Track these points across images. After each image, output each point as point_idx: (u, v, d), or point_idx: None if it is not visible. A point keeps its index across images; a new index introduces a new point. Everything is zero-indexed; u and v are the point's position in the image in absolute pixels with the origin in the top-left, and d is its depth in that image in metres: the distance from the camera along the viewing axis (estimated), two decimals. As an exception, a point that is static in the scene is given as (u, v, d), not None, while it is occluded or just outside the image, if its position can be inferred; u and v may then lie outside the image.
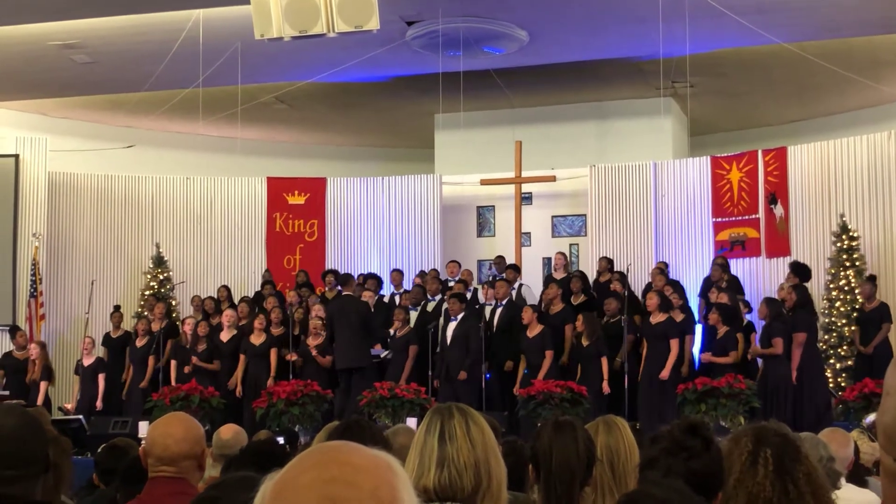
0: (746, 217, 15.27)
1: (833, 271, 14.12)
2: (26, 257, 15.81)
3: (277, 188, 17.48)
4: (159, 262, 17.01)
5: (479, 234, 17.62)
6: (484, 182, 16.70)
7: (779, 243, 14.92)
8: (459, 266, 15.38)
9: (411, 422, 10.31)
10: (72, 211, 16.92)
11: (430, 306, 14.20)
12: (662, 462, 2.94)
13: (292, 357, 13.25)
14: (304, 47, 13.54)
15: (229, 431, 5.30)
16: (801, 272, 13.15)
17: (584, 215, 16.69)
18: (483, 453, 2.65)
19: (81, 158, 17.26)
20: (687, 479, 2.83)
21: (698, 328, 13.17)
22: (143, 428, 10.96)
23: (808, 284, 13.30)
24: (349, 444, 1.36)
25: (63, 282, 16.73)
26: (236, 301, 15.35)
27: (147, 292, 16.56)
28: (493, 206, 17.41)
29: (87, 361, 14.34)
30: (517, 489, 3.95)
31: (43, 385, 13.95)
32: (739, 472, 2.87)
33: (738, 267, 15.05)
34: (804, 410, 11.71)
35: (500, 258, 15.64)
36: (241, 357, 13.51)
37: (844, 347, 13.54)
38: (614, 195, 16.11)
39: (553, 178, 16.42)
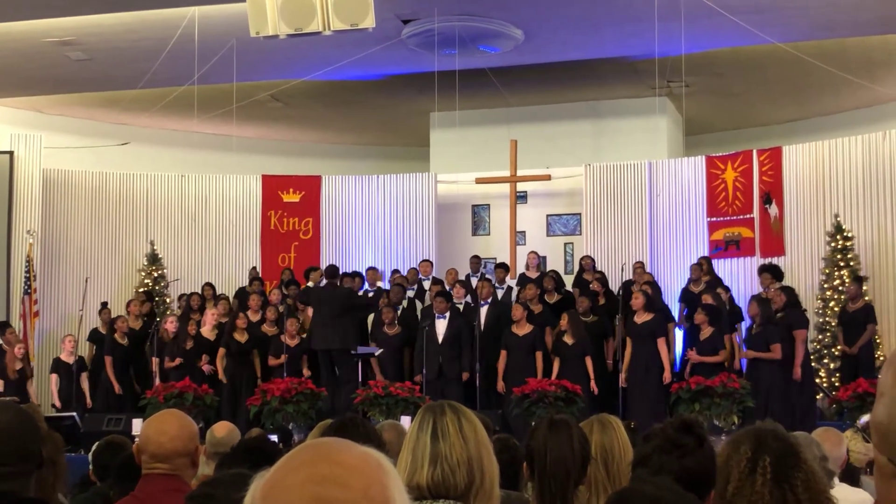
0: (741, 217, 15.27)
1: (827, 271, 14.13)
2: (20, 254, 15.77)
3: (272, 186, 17.45)
4: (154, 259, 16.98)
5: (474, 233, 17.62)
6: (479, 181, 16.70)
7: (773, 243, 14.92)
8: (432, 265, 15.44)
9: (405, 420, 10.30)
10: (66, 208, 16.88)
11: (405, 304, 14.38)
12: (655, 460, 2.94)
13: (276, 363, 13.26)
14: (299, 45, 13.54)
15: (223, 429, 5.29)
16: (774, 272, 13.16)
17: (579, 214, 16.68)
18: (476, 450, 2.65)
19: (76, 155, 17.23)
20: (680, 477, 2.83)
21: (671, 328, 13.29)
22: (137, 425, 10.96)
23: (801, 284, 13.30)
24: (340, 441, 1.33)
25: (57, 279, 16.68)
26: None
27: (141, 290, 16.53)
28: (489, 205, 17.42)
29: (69, 360, 14.19)
30: (511, 487, 3.95)
31: (31, 383, 13.95)
32: (738, 479, 2.81)
33: (732, 267, 15.08)
34: (797, 409, 11.73)
35: (476, 258, 15.75)
36: (221, 350, 13.45)
37: (838, 347, 13.55)
38: (609, 194, 16.10)
39: (548, 177, 16.42)
